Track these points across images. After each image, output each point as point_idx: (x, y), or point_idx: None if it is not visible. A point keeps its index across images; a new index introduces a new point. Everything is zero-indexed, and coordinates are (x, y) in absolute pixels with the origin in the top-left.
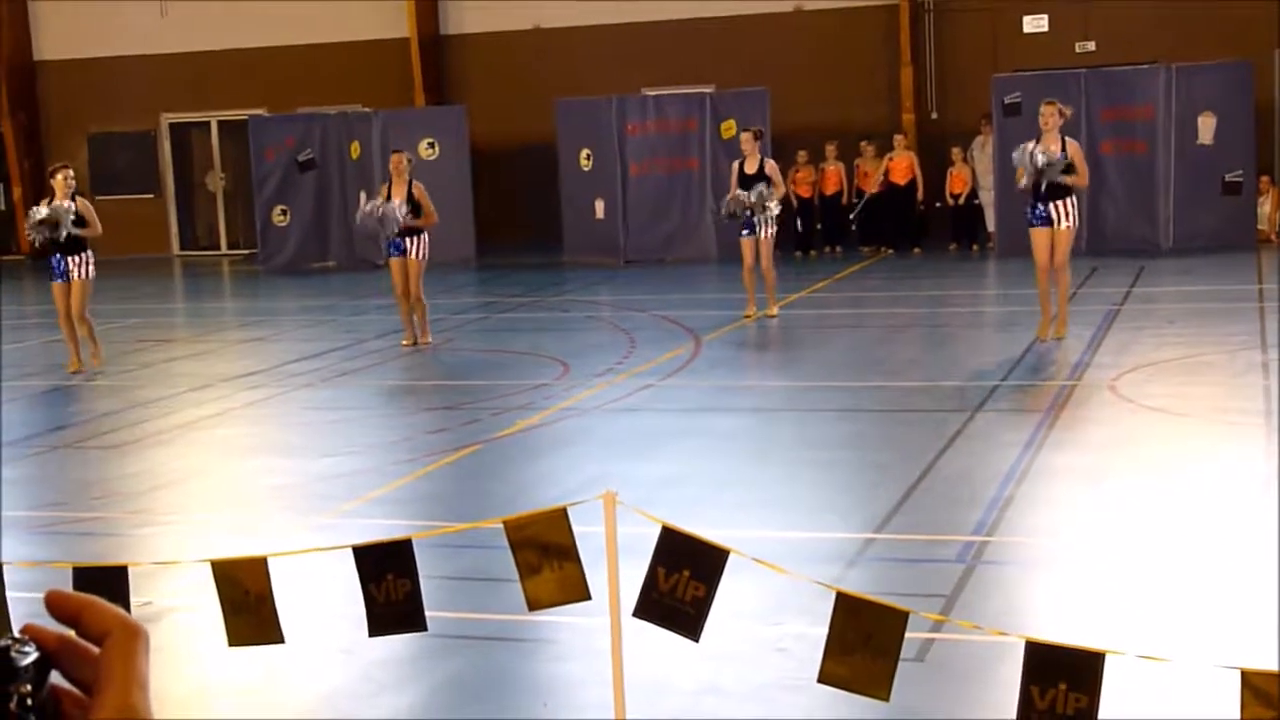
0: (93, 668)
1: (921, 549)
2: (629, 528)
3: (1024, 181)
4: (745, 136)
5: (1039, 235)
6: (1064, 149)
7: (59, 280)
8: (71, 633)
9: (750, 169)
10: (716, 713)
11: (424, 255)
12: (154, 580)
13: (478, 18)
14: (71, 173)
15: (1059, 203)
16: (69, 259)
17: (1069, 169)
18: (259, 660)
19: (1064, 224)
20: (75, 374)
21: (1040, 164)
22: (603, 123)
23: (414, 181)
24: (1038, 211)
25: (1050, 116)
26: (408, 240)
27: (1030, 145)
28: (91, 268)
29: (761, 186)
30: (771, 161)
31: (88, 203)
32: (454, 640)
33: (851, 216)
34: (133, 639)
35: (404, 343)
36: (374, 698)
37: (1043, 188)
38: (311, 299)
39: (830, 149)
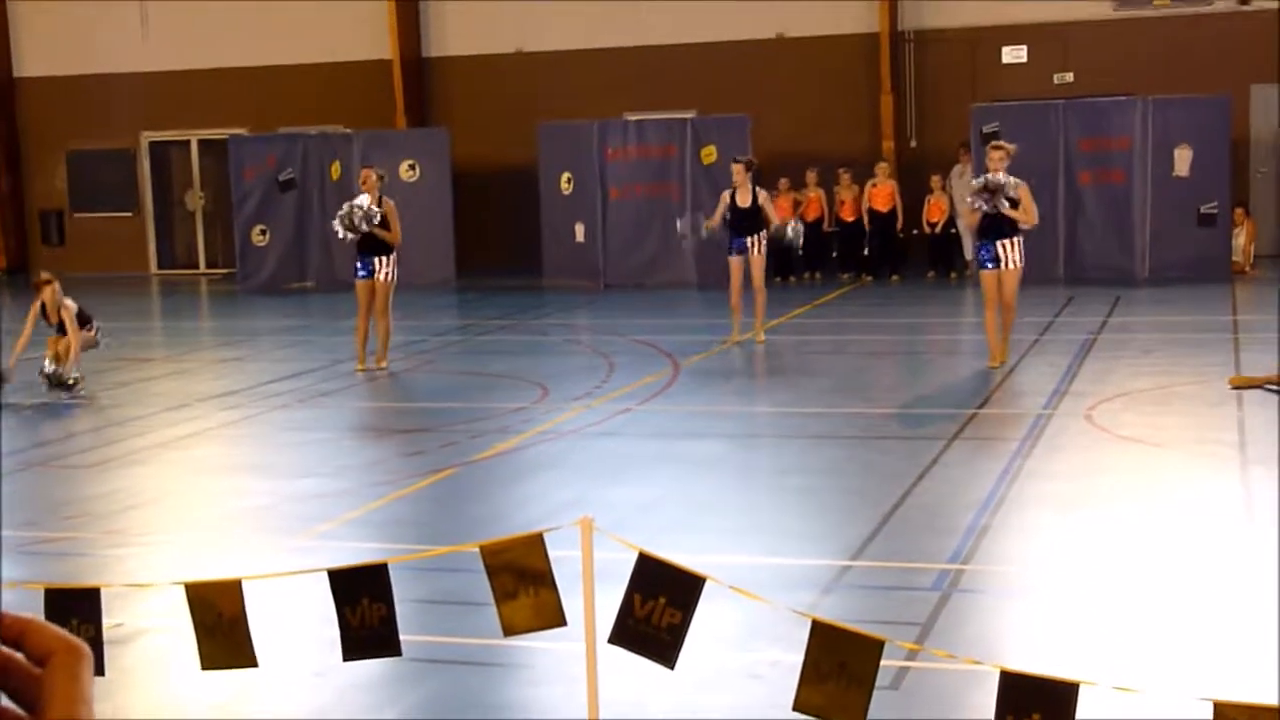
0: (36, 688)
1: (897, 576)
2: (606, 552)
3: (973, 203)
4: (737, 168)
5: (987, 277)
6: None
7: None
8: (15, 653)
9: (743, 201)
10: None
11: (392, 277)
12: (127, 602)
13: (461, 40)
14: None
15: (1005, 243)
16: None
17: (1014, 202)
18: (232, 683)
19: (1011, 265)
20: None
21: (997, 182)
22: (584, 147)
23: (384, 198)
24: (985, 253)
25: (998, 161)
26: (376, 261)
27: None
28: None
29: (788, 227)
30: (763, 191)
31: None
32: (428, 664)
33: (866, 251)
34: (76, 659)
35: (358, 368)
36: None
37: (991, 218)
38: (289, 319)
39: (811, 176)
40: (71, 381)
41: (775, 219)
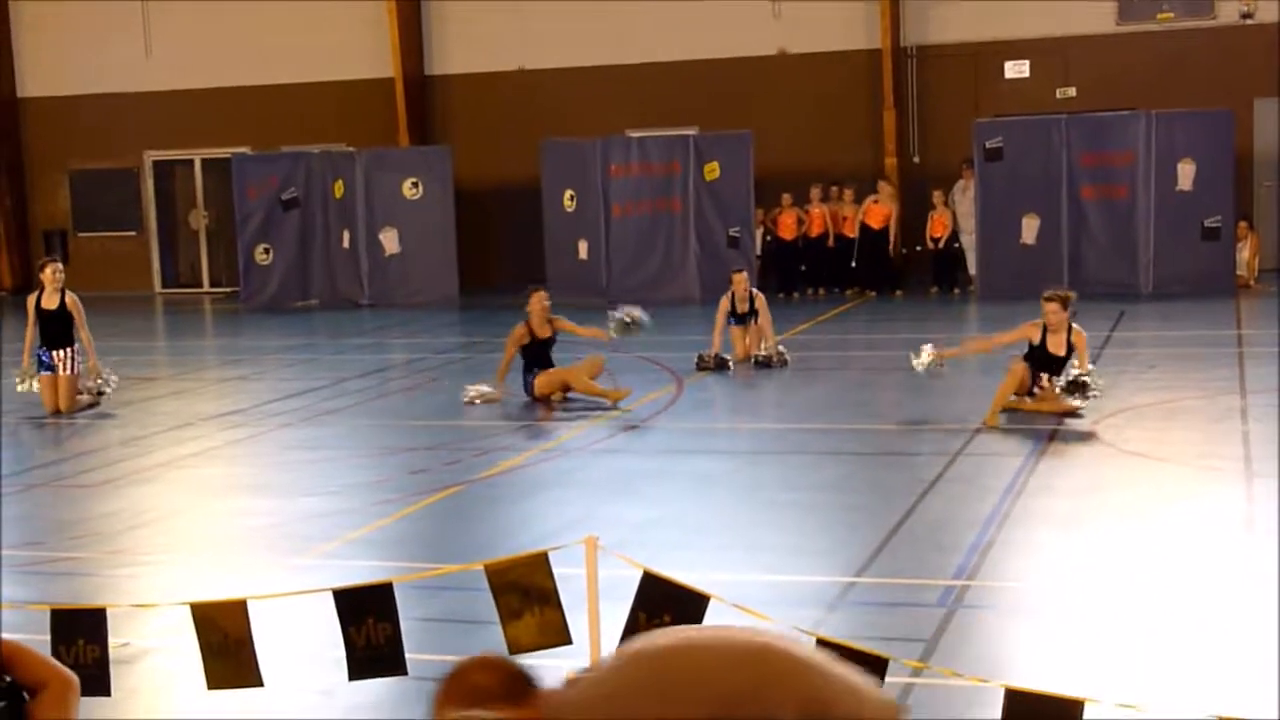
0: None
1: (902, 593)
2: (610, 570)
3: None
4: (738, 278)
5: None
6: (1070, 344)
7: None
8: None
9: (741, 307)
10: None
11: None
12: (132, 621)
13: (463, 58)
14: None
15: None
16: None
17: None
18: (237, 703)
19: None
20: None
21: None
22: (587, 164)
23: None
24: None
25: (1054, 314)
26: None
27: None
28: None
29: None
30: (761, 295)
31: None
32: (434, 683)
33: (854, 264)
34: (67, 690)
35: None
36: None
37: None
38: (293, 338)
39: (815, 191)
40: (99, 391)
41: (770, 331)
